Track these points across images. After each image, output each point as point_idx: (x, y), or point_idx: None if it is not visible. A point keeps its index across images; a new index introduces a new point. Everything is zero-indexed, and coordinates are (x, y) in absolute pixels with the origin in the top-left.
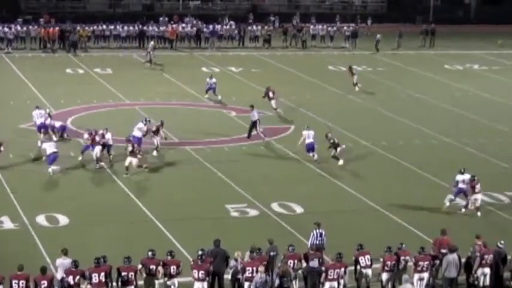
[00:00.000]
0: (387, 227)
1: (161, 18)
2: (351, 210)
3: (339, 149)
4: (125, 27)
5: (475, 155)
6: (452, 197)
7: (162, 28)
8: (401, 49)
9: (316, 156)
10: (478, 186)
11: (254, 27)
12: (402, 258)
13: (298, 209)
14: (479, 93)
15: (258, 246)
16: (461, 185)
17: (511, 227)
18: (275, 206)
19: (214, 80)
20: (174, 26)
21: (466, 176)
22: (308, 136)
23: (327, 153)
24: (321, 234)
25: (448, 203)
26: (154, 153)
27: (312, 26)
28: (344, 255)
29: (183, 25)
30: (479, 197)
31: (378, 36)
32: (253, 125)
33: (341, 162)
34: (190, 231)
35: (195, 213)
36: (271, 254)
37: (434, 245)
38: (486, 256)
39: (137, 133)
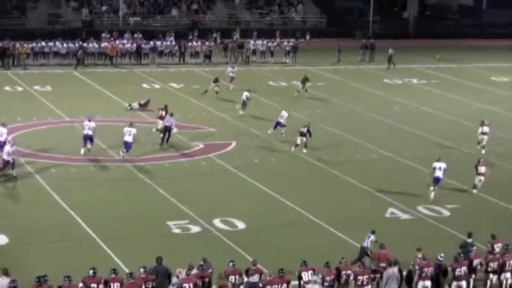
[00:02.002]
0: (329, 241)
1: (103, 35)
2: (293, 225)
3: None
4: (65, 44)
5: (415, 168)
6: (432, 188)
7: (103, 44)
8: (341, 64)
9: (283, 131)
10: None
11: (194, 43)
12: (343, 272)
13: (241, 225)
14: (419, 107)
15: (200, 263)
16: (437, 173)
17: (451, 240)
18: (217, 222)
19: (246, 94)
20: (114, 42)
21: (442, 164)
22: (282, 116)
23: (269, 167)
24: (368, 237)
25: (432, 194)
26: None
27: (252, 42)
28: (286, 271)
29: (124, 41)
30: (482, 178)
31: (390, 50)
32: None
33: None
34: (133, 248)
35: (137, 230)
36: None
37: (373, 259)
38: (426, 269)
39: (128, 138)
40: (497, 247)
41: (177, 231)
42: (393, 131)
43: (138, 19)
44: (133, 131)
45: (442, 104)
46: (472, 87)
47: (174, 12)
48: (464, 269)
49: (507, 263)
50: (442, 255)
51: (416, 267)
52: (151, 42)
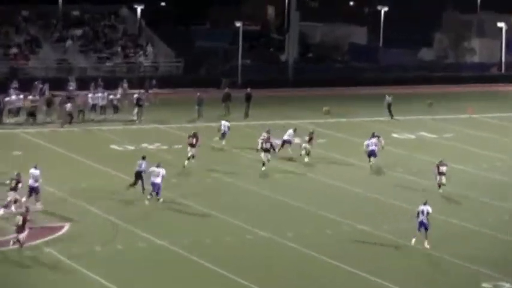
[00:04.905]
0: None
1: None
2: None
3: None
4: None
5: (297, 250)
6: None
7: None
8: (202, 120)
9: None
10: (442, 168)
11: (14, 96)
12: None
13: None
14: (305, 174)
15: None
16: (421, 217)
17: None
18: None
19: (226, 123)
20: None
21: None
22: (288, 134)
23: (114, 256)
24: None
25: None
26: None
27: (90, 95)
28: None
29: None
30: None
31: (388, 98)
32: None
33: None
34: None
35: None
36: None
37: None
38: None
39: (157, 180)
40: None
41: None
42: (273, 204)
43: None
44: (162, 171)
45: (332, 170)
46: None
47: None
48: None
49: None
50: None
51: None
52: None
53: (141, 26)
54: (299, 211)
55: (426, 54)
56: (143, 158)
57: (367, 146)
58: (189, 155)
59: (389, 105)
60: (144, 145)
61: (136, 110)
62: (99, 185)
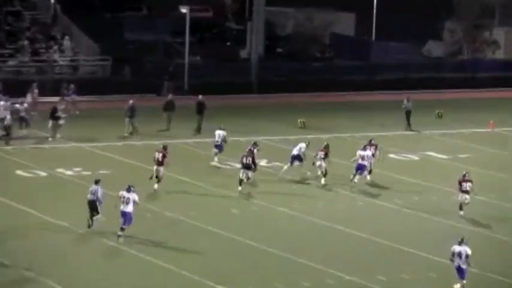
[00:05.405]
0: None
1: None
2: None
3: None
4: None
5: None
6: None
7: None
8: (135, 138)
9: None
10: (466, 185)
11: None
12: None
13: None
14: (274, 208)
15: None
16: (457, 261)
17: None
18: None
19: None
20: None
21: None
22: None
23: None
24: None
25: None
26: None
27: None
28: None
29: None
30: (467, 196)
31: (407, 103)
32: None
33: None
34: None
35: None
36: None
37: None
38: None
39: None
40: None
41: None
42: (231, 247)
43: None
44: (135, 196)
45: (308, 201)
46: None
47: None
48: None
49: None
50: None
51: None
52: None
53: (55, 12)
54: (265, 256)
55: (433, 49)
56: (96, 182)
57: (359, 158)
58: (155, 175)
59: (408, 113)
60: (60, 170)
61: (50, 123)
62: (2, 224)
